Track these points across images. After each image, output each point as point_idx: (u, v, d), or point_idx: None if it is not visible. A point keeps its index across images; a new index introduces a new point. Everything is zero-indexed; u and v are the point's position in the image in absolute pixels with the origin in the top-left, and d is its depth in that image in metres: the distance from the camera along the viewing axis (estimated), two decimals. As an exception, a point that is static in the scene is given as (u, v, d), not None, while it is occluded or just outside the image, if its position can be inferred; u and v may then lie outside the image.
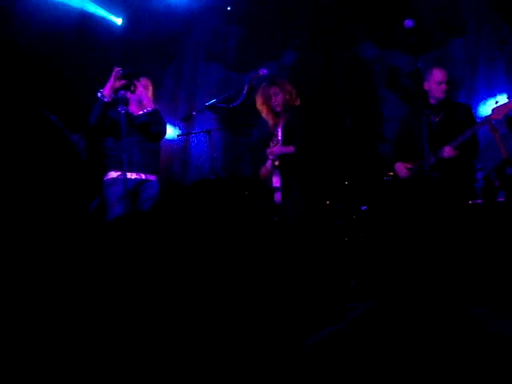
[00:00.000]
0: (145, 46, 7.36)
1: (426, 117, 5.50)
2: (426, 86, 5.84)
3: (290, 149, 5.88)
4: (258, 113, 6.60)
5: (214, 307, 0.96)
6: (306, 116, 5.95)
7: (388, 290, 1.53)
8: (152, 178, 5.92)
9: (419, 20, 5.78)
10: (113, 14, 7.46)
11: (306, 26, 7.44)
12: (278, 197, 5.91)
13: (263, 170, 6.09)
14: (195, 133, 6.91)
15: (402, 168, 5.94)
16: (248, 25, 7.49)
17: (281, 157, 5.92)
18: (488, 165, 6.48)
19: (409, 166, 5.91)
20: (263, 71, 5.77)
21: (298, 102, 6.01)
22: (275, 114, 5.99)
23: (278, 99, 5.93)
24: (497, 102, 6.05)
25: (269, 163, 6.01)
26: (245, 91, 5.64)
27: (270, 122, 6.05)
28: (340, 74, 7.43)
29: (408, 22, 5.33)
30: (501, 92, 7.07)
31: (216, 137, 5.70)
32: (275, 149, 5.94)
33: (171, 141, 7.33)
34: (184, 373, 0.93)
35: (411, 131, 5.99)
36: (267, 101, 5.98)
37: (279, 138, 5.97)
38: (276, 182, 5.92)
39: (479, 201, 5.97)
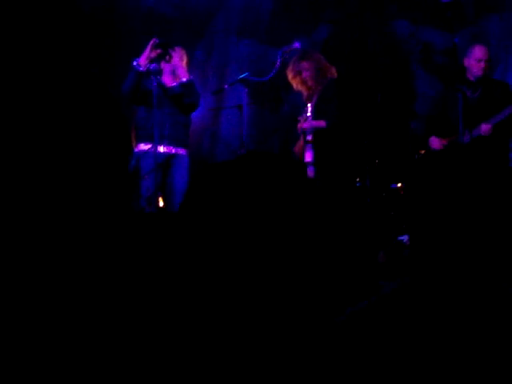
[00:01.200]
0: (177, 19, 7.34)
1: (463, 93, 5.44)
2: (466, 62, 5.80)
3: (321, 123, 5.83)
4: (289, 88, 6.56)
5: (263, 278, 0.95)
6: (339, 91, 5.90)
7: (427, 267, 1.52)
8: (182, 151, 5.91)
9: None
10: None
11: (340, 0, 7.36)
12: (310, 171, 5.87)
13: (296, 147, 6.07)
14: (226, 107, 6.88)
15: (436, 142, 5.89)
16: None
17: (314, 131, 5.87)
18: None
19: (444, 141, 5.86)
20: (296, 45, 5.72)
21: (333, 75, 5.95)
22: (308, 87, 5.95)
23: (308, 74, 5.89)
24: None
25: (301, 139, 5.99)
26: (278, 65, 5.60)
27: (304, 93, 6.02)
28: (373, 50, 7.35)
29: (446, -4, 5.27)
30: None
31: (247, 112, 5.65)
32: (305, 124, 5.90)
33: (201, 115, 7.31)
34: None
35: (445, 108, 5.93)
36: (298, 75, 5.94)
37: (308, 113, 5.93)
38: (308, 156, 5.89)
39: None
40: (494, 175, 5.57)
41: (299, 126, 5.96)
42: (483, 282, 1.51)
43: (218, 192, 0.90)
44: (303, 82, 5.95)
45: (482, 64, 5.75)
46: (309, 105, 5.92)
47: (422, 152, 6.12)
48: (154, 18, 7.24)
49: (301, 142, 6.01)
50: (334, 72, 5.97)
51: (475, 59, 5.76)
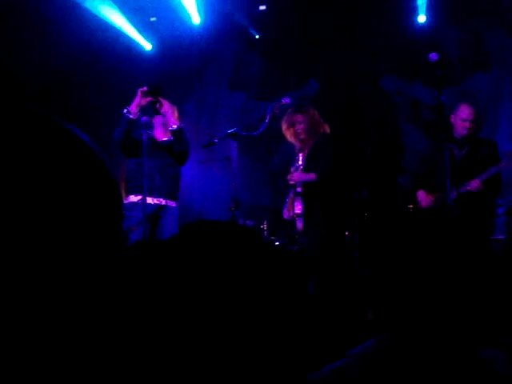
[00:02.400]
0: (169, 73, 7.43)
1: (449, 150, 5.49)
2: (452, 119, 5.83)
3: (311, 176, 5.87)
4: (279, 140, 6.62)
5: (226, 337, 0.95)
6: (331, 144, 5.96)
7: (403, 325, 1.52)
8: (172, 204, 5.92)
9: (443, 54, 5.79)
10: (144, 38, 7.53)
11: (330, 56, 7.47)
12: (299, 224, 5.89)
13: (286, 211, 6.10)
14: (216, 160, 6.92)
15: (424, 197, 5.92)
16: (272, 54, 7.54)
17: (304, 184, 5.91)
18: (509, 200, 6.45)
19: (431, 197, 5.89)
20: (286, 100, 5.79)
21: (326, 130, 6.02)
22: (300, 140, 6.00)
23: (302, 127, 5.93)
24: None
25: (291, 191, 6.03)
26: (267, 120, 5.66)
27: (296, 145, 6.07)
28: (362, 105, 7.45)
29: (433, 56, 5.33)
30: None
31: (236, 165, 5.69)
32: (295, 175, 5.95)
33: (192, 168, 7.35)
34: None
35: (432, 164, 5.97)
36: (291, 127, 5.99)
37: (299, 163, 5.97)
38: (298, 208, 5.91)
39: (501, 236, 5.93)
40: (481, 232, 5.61)
41: (289, 177, 6.00)
42: (456, 344, 1.52)
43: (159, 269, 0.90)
44: (296, 135, 5.99)
45: (467, 124, 5.76)
46: (300, 155, 5.96)
47: (411, 207, 6.14)
48: (148, 71, 7.31)
49: (291, 194, 6.04)
50: (326, 128, 6.03)
51: (460, 118, 5.78)
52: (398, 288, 1.50)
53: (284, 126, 6.06)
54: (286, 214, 6.13)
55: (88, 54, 6.97)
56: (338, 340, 2.29)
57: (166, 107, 5.81)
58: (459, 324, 2.08)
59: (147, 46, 7.51)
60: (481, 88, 7.24)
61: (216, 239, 0.96)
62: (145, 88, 5.68)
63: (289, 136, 6.06)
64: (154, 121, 5.87)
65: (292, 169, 6.05)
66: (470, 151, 5.84)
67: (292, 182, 5.98)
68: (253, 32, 7.63)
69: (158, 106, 5.77)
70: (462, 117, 5.77)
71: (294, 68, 7.52)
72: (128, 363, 0.90)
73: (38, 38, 6.68)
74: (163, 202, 5.85)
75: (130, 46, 7.34)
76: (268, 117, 5.66)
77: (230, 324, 0.93)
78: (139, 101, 5.68)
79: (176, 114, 5.91)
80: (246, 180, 7.44)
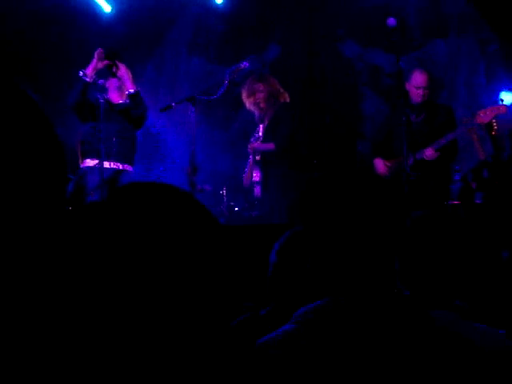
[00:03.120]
0: (128, 37, 7.32)
1: (406, 116, 5.52)
2: (407, 86, 5.83)
3: (271, 146, 5.91)
4: (238, 106, 6.59)
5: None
6: (290, 114, 5.98)
7: (344, 288, 1.52)
8: (129, 168, 5.89)
9: (402, 19, 5.80)
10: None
11: (290, 20, 7.43)
12: (257, 191, 5.95)
13: (245, 179, 6.15)
14: (175, 125, 6.89)
15: (381, 164, 5.96)
16: (231, 18, 7.47)
17: (262, 152, 5.94)
18: (465, 166, 6.52)
19: (388, 163, 5.93)
20: (245, 64, 5.76)
21: (285, 99, 6.03)
22: (260, 109, 6.00)
23: (261, 96, 5.94)
24: (502, 101, 6.02)
25: (250, 160, 6.08)
26: (225, 84, 5.62)
27: (256, 114, 6.07)
28: (322, 70, 7.44)
29: (391, 21, 5.33)
30: (481, 95, 7.11)
31: (195, 129, 5.65)
32: (256, 145, 5.98)
33: (149, 132, 7.30)
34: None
35: (391, 130, 6.01)
36: (252, 95, 5.98)
37: (260, 134, 6.01)
38: (256, 176, 5.97)
39: (456, 202, 6.01)
40: (436, 197, 5.67)
41: (250, 146, 6.02)
42: (404, 305, 1.53)
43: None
44: (256, 103, 6.00)
45: (421, 91, 5.76)
46: (260, 126, 5.99)
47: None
48: (107, 34, 7.20)
49: (250, 162, 6.09)
50: (286, 97, 6.04)
51: (414, 85, 5.77)
52: (339, 251, 1.50)
53: (244, 94, 6.06)
54: (245, 181, 6.18)
55: (45, 13, 6.83)
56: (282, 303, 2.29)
57: (123, 71, 5.74)
58: (408, 286, 2.10)
59: (107, 7, 7.34)
60: (438, 55, 7.27)
61: (148, 201, 0.95)
62: (101, 50, 5.60)
63: (248, 104, 6.07)
64: (108, 84, 5.80)
65: (252, 139, 6.08)
66: (426, 117, 5.87)
67: (251, 151, 6.01)
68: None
69: (114, 69, 5.70)
70: (416, 84, 5.76)
71: (253, 32, 7.46)
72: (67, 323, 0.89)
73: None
74: (120, 167, 5.81)
75: (89, 7, 7.17)
76: (227, 80, 5.63)
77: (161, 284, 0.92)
78: (96, 64, 5.60)
79: (131, 79, 5.84)
80: (205, 145, 7.41)
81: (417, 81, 5.77)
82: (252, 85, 5.99)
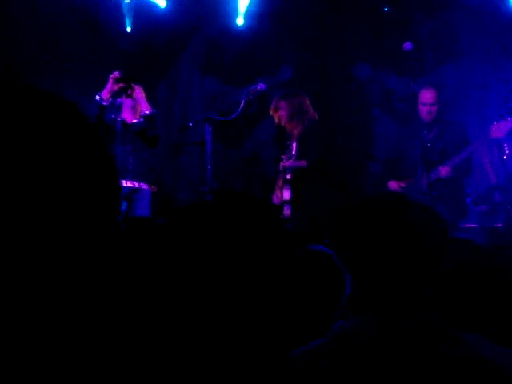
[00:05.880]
0: (141, 56, 7.38)
1: (419, 136, 5.56)
2: (417, 103, 5.89)
3: (302, 163, 5.90)
4: (252, 127, 6.63)
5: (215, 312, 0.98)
6: (319, 132, 5.99)
7: (382, 306, 1.55)
8: (145, 186, 5.93)
9: (416, 42, 5.85)
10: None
11: (304, 42, 7.49)
12: (287, 210, 5.90)
13: (274, 197, 6.11)
14: (189, 144, 6.93)
15: (395, 186, 5.98)
16: (246, 39, 7.53)
17: (293, 171, 5.94)
18: (475, 190, 6.54)
19: (402, 184, 5.94)
20: (261, 86, 5.81)
21: (314, 117, 6.04)
22: (285, 126, 6.03)
23: (284, 114, 5.96)
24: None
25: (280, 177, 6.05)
26: (242, 105, 5.67)
27: (287, 130, 6.10)
28: (335, 92, 7.49)
29: (407, 45, 5.40)
30: (491, 118, 7.13)
31: (209, 150, 5.70)
32: (288, 163, 5.95)
33: (164, 151, 7.34)
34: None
35: (402, 151, 6.04)
36: (275, 112, 6.03)
37: (293, 152, 5.97)
38: (286, 195, 5.94)
39: (474, 225, 5.99)
40: (452, 217, 5.68)
41: (282, 164, 6.01)
42: (434, 326, 1.56)
43: (196, 232, 0.92)
44: (279, 120, 6.04)
45: (427, 108, 5.81)
46: (294, 144, 5.95)
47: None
48: (119, 55, 7.25)
49: (279, 182, 6.06)
50: (315, 115, 6.05)
51: (421, 103, 5.84)
52: (376, 270, 1.53)
53: (271, 110, 6.09)
54: (275, 200, 6.14)
55: (64, 26, 6.89)
56: (317, 319, 2.33)
57: (138, 93, 5.80)
58: (438, 308, 2.13)
59: (162, 2, 7.28)
60: (450, 76, 7.31)
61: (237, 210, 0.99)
62: (116, 74, 5.66)
63: (276, 120, 6.10)
64: (122, 103, 5.85)
65: (284, 156, 6.06)
66: (438, 133, 5.89)
67: (282, 169, 6.00)
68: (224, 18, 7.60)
69: (129, 91, 5.75)
70: (422, 101, 5.83)
71: (267, 54, 7.52)
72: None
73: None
74: (136, 185, 5.85)
75: (108, 25, 7.19)
76: (243, 102, 5.68)
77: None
78: (111, 87, 5.66)
79: (146, 99, 5.89)
80: (217, 165, 7.45)
81: (423, 98, 5.83)
82: (277, 102, 6.03)
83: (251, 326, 1.01)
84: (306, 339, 1.62)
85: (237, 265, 0.99)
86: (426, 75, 7.06)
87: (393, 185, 6.00)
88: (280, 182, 6.06)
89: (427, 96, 5.83)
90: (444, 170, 5.68)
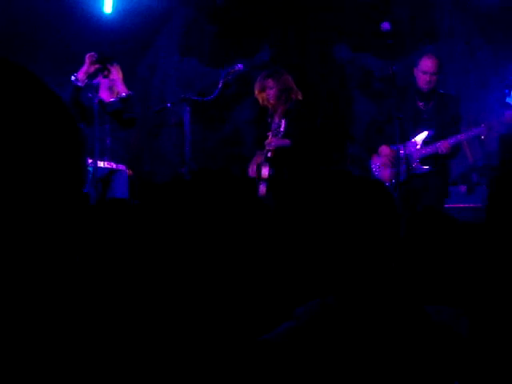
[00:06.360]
0: (121, 36, 7.32)
1: (415, 106, 5.43)
2: (414, 71, 5.72)
3: (286, 141, 5.88)
4: (231, 108, 6.61)
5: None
6: (304, 111, 5.96)
7: (345, 286, 1.56)
8: (122, 167, 5.91)
9: (394, 24, 5.83)
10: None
11: (281, 24, 7.47)
12: (262, 189, 5.86)
13: (251, 172, 6.03)
14: (167, 125, 6.91)
15: (387, 151, 5.78)
16: (224, 20, 7.50)
17: (275, 149, 5.88)
18: (454, 170, 6.56)
19: (393, 149, 5.69)
20: (239, 66, 5.77)
21: (298, 96, 5.99)
22: (270, 105, 5.99)
23: (272, 92, 5.93)
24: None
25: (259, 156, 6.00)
26: (220, 85, 5.64)
27: (270, 110, 6.05)
28: (313, 74, 7.49)
29: (385, 25, 5.37)
30: (471, 100, 7.16)
31: (188, 130, 5.67)
32: (274, 140, 5.89)
33: (142, 132, 7.32)
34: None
35: (392, 117, 5.74)
36: (262, 91, 5.99)
37: (281, 129, 5.88)
38: (265, 173, 5.89)
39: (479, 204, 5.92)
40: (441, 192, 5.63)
41: (268, 141, 5.92)
42: (400, 301, 1.58)
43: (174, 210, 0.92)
44: (266, 100, 6.00)
45: (427, 77, 5.62)
46: (283, 121, 5.88)
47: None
48: (99, 32, 7.19)
49: (258, 158, 6.01)
50: (299, 94, 6.01)
51: (421, 71, 5.64)
52: (332, 249, 1.54)
53: (256, 90, 6.05)
54: (250, 173, 6.08)
55: (41, 7, 6.82)
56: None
57: (115, 74, 5.76)
58: (404, 284, 2.15)
59: (108, 8, 7.21)
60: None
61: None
62: (93, 54, 5.62)
63: (261, 100, 6.04)
64: (100, 83, 5.81)
65: (270, 133, 5.98)
66: (436, 106, 5.76)
67: (268, 147, 5.88)
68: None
69: (105, 73, 5.71)
70: (423, 69, 5.63)
71: (246, 35, 7.49)
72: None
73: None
74: (114, 166, 5.83)
75: (84, 5, 7.10)
76: (221, 82, 5.64)
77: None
78: (87, 68, 5.61)
79: (122, 80, 5.84)
80: (197, 146, 7.44)
81: (425, 66, 5.63)
82: (263, 81, 5.98)
83: (225, 308, 1.02)
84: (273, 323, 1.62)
85: (215, 240, 0.99)
86: (405, 56, 7.06)
87: (385, 150, 5.81)
88: (259, 159, 6.01)
89: (428, 64, 5.62)
90: (443, 146, 5.53)
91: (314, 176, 1.67)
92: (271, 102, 5.95)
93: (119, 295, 0.93)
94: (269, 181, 5.86)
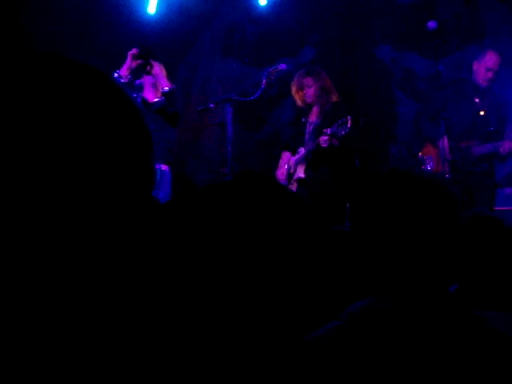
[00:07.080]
0: (163, 37, 7.35)
1: (472, 101, 5.24)
2: (475, 65, 5.55)
3: (335, 142, 5.68)
4: (272, 109, 6.58)
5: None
6: (345, 111, 5.83)
7: (391, 288, 1.53)
8: (165, 168, 5.92)
9: (440, 23, 5.75)
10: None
11: (325, 23, 7.43)
12: (294, 188, 5.77)
13: (280, 174, 5.94)
14: (210, 125, 6.91)
15: (446, 143, 5.49)
16: (266, 20, 7.48)
17: (314, 150, 5.68)
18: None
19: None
20: (282, 66, 5.75)
21: (335, 97, 5.86)
22: (307, 105, 5.88)
23: (310, 91, 5.82)
24: None
25: (292, 159, 5.91)
26: (263, 85, 5.63)
27: (305, 108, 5.94)
28: (356, 73, 7.42)
29: (432, 24, 5.30)
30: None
31: (230, 131, 5.67)
32: (323, 138, 5.59)
33: (184, 132, 7.34)
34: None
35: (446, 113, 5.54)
36: (300, 90, 5.88)
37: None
38: (300, 172, 5.80)
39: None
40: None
41: (322, 139, 5.63)
42: (448, 304, 1.54)
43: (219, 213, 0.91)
44: (304, 99, 5.86)
45: (490, 74, 5.45)
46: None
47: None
48: (141, 35, 7.22)
49: (285, 159, 5.93)
50: (336, 96, 5.87)
51: (485, 66, 5.47)
52: (387, 253, 1.51)
53: (293, 89, 5.92)
54: (280, 176, 6.00)
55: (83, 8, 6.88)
56: (330, 302, 2.31)
57: (157, 69, 5.76)
58: (463, 286, 2.10)
59: (152, 8, 7.23)
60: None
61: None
62: (134, 50, 5.63)
63: (298, 99, 5.92)
64: (143, 81, 5.82)
65: (306, 134, 5.87)
66: (492, 102, 5.55)
67: (324, 145, 5.58)
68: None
69: (148, 68, 5.71)
70: (487, 65, 5.45)
71: (288, 35, 7.46)
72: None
73: None
74: (157, 166, 5.83)
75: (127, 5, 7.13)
76: (264, 82, 5.63)
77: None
78: (130, 64, 5.62)
79: (166, 76, 5.85)
80: (237, 147, 7.44)
81: (489, 61, 5.44)
82: (302, 79, 5.86)
83: (271, 310, 1.00)
84: (322, 322, 1.60)
85: (258, 246, 0.97)
86: (449, 56, 6.96)
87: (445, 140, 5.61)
88: (291, 160, 5.88)
89: (494, 60, 5.44)
90: (507, 146, 5.29)
91: (381, 177, 1.64)
92: (309, 100, 5.82)
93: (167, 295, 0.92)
94: (304, 181, 5.73)
